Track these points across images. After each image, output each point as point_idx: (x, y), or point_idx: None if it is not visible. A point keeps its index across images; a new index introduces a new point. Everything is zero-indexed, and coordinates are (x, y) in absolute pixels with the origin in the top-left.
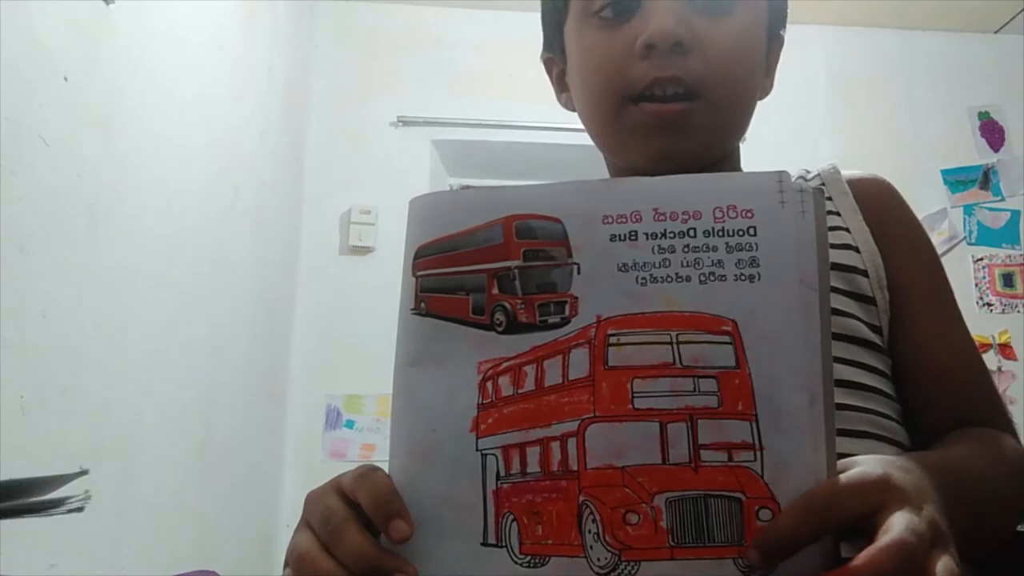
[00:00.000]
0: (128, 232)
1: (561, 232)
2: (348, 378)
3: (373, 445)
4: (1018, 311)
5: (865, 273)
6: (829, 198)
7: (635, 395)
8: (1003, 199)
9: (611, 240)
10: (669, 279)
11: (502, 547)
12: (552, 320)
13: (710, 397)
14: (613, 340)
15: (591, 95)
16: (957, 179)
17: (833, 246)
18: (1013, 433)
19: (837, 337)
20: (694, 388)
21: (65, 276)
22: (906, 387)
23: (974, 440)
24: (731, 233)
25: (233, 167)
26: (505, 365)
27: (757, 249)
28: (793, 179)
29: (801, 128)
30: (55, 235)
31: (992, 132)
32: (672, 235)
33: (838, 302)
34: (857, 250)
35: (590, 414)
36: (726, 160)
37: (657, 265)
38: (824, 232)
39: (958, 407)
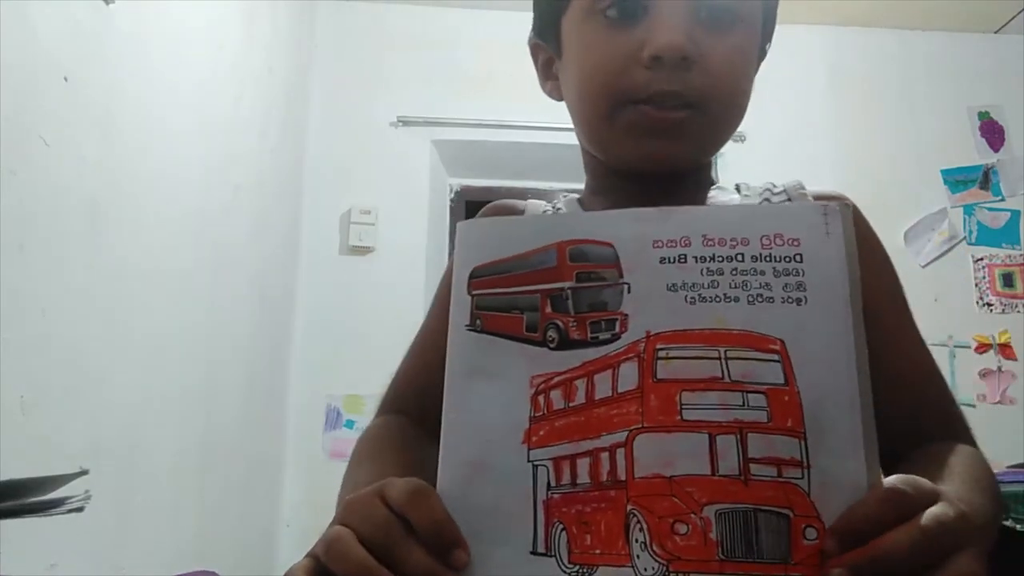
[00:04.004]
0: (128, 232)
1: (613, 256)
2: (348, 378)
3: None
4: (1018, 311)
5: None
6: None
7: (684, 407)
8: (1003, 199)
9: (661, 263)
10: (718, 299)
11: (551, 556)
12: (603, 336)
13: (760, 412)
14: (662, 354)
15: (587, 92)
16: (957, 179)
17: None
18: (970, 440)
19: None
20: (743, 403)
21: (65, 275)
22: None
23: (950, 456)
24: (778, 259)
25: (233, 167)
26: (557, 379)
27: (804, 275)
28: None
29: (801, 128)
30: (55, 235)
31: (992, 132)
32: (721, 259)
33: None
34: None
35: (638, 424)
36: (704, 168)
37: (706, 286)
38: (854, 251)
39: (915, 413)
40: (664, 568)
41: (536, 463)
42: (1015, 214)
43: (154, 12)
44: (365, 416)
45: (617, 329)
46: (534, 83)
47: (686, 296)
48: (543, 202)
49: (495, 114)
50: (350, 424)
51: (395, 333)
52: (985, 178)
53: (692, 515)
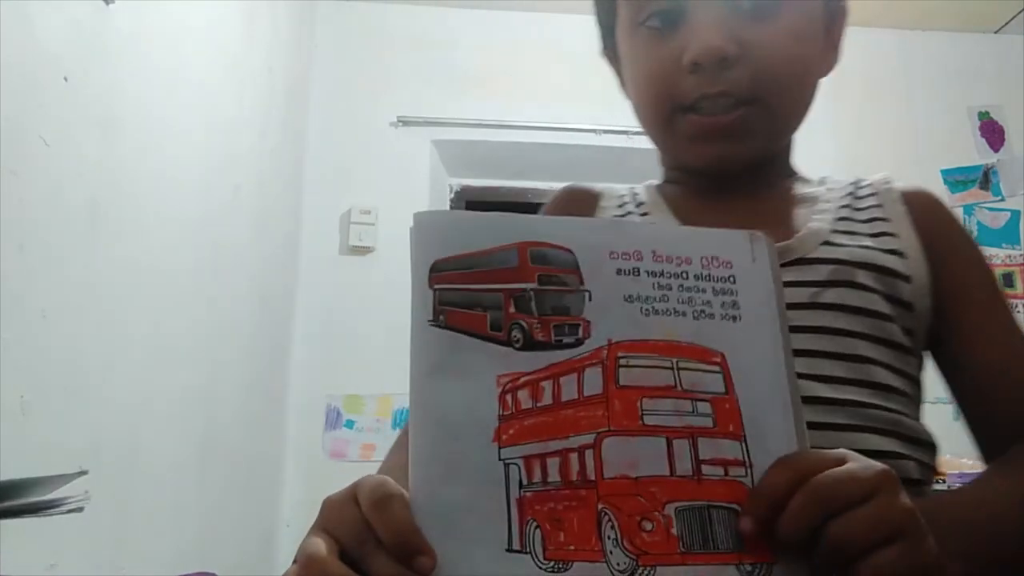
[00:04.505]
0: (128, 232)
1: (573, 261)
2: (348, 378)
3: (373, 445)
4: (1018, 311)
5: (908, 279)
6: (880, 205)
7: (644, 412)
8: (1003, 199)
9: (617, 273)
10: (668, 312)
11: (526, 553)
12: (567, 340)
13: (706, 418)
14: (623, 362)
15: (643, 103)
16: (957, 179)
17: (878, 250)
18: None
19: (873, 340)
20: (693, 410)
21: (65, 276)
22: (967, 397)
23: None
24: (716, 279)
25: (233, 167)
26: (524, 380)
27: (737, 295)
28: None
29: (801, 128)
30: (55, 235)
31: (992, 132)
32: (669, 275)
33: (876, 304)
34: (903, 255)
35: (605, 427)
36: (779, 156)
37: (657, 299)
38: (779, 276)
39: (1018, 413)
40: (634, 562)
41: (507, 461)
42: (1015, 214)
43: (154, 12)
44: (365, 416)
45: (580, 334)
46: (534, 83)
47: (641, 308)
48: (622, 186)
49: (495, 114)
50: (350, 424)
51: (395, 333)
52: (985, 178)
53: (656, 512)
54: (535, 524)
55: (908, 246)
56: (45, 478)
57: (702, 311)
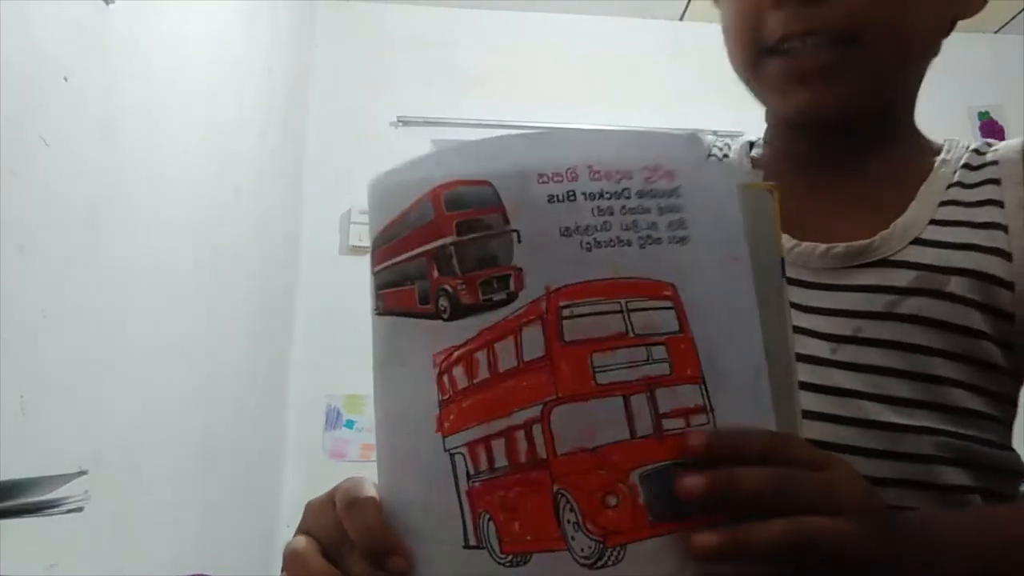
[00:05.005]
0: (128, 232)
1: (493, 196)
2: (348, 378)
3: (373, 445)
4: None
5: (1010, 286)
6: (997, 182)
7: (596, 370)
8: None
9: (549, 201)
10: (612, 243)
11: (483, 548)
12: (497, 298)
13: (662, 364)
14: (566, 312)
15: (730, 47)
16: None
17: (980, 249)
18: None
19: (955, 358)
20: (647, 357)
21: (65, 276)
22: None
23: None
24: (659, 195)
25: (233, 167)
26: (456, 355)
27: (684, 211)
28: None
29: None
30: (55, 235)
31: (992, 132)
32: (609, 196)
33: (966, 317)
34: (1009, 257)
35: (552, 396)
36: (891, 113)
37: (599, 228)
38: (770, 223)
39: None
40: (600, 545)
41: (452, 451)
42: None
43: (154, 12)
44: (365, 416)
45: (512, 287)
46: (534, 83)
47: (581, 241)
48: (714, 138)
49: (495, 114)
50: (350, 424)
51: None
52: None
53: (620, 484)
54: (488, 516)
55: (1017, 243)
56: (45, 478)
57: (648, 236)
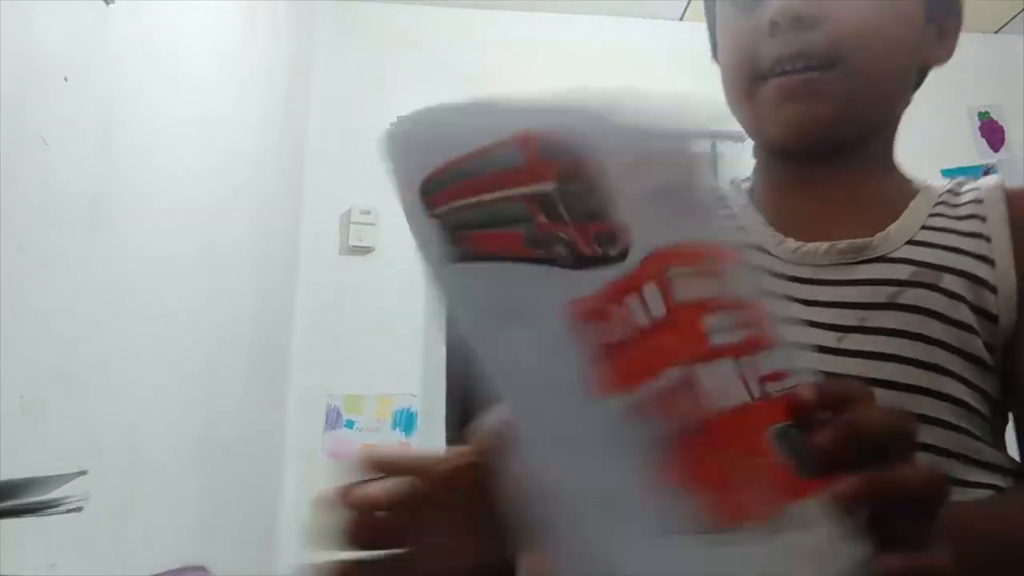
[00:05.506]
0: (128, 232)
1: (588, 148)
2: (348, 378)
3: (373, 445)
4: None
5: (994, 289)
6: (980, 201)
7: (710, 332)
8: None
9: (635, 163)
10: (683, 208)
11: (677, 527)
12: (613, 252)
13: (753, 328)
14: (675, 274)
15: (728, 75)
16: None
17: (970, 254)
18: None
19: (952, 350)
20: (741, 321)
21: (65, 276)
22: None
23: None
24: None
25: (233, 167)
26: (589, 308)
27: (693, 191)
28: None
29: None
30: (55, 235)
31: (992, 132)
32: (666, 159)
33: (960, 312)
34: (993, 264)
35: (689, 356)
36: (872, 144)
37: (682, 190)
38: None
39: None
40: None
41: (615, 415)
42: None
43: (154, 12)
44: (365, 416)
45: (620, 242)
46: (534, 83)
47: (670, 204)
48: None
49: None
50: (350, 424)
51: (395, 333)
52: None
53: (766, 445)
54: (679, 489)
55: (999, 252)
56: (45, 478)
57: (687, 202)
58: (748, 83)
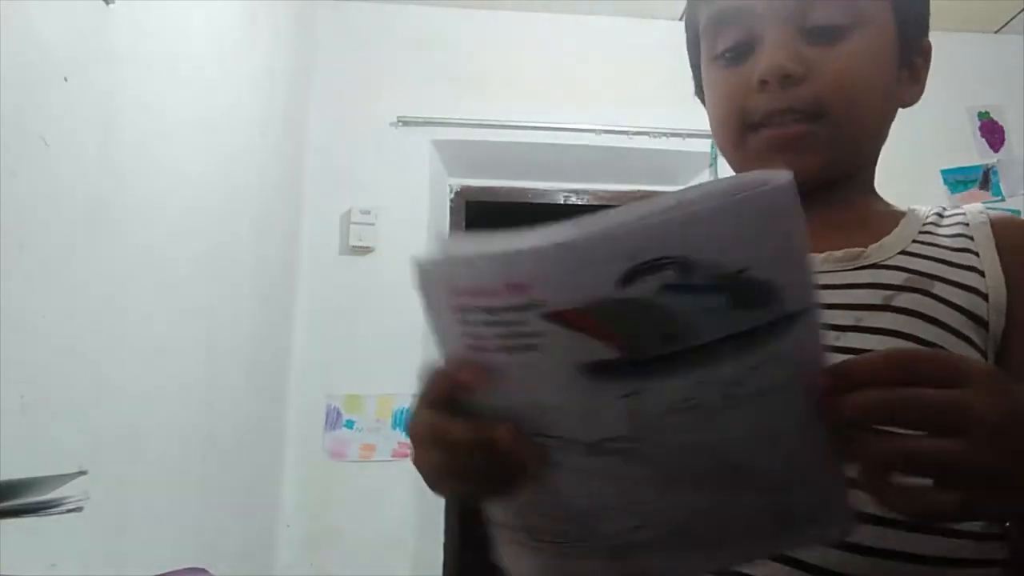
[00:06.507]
0: (128, 232)
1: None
2: (348, 378)
3: (373, 445)
4: None
5: (985, 297)
6: (966, 224)
7: None
8: (1003, 199)
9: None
10: None
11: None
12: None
13: None
14: None
15: (718, 125)
16: (957, 179)
17: (961, 266)
18: None
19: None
20: None
21: (65, 275)
22: None
23: None
24: None
25: (233, 167)
26: None
27: None
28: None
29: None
30: (55, 235)
31: (992, 132)
32: None
33: (952, 318)
34: (982, 273)
35: None
36: (856, 177)
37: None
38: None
39: None
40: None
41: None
42: (1015, 214)
43: (154, 12)
44: (365, 416)
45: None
46: (534, 83)
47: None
48: None
49: (495, 114)
50: (350, 424)
51: (395, 333)
52: (985, 178)
53: None
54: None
55: (987, 264)
56: (45, 478)
57: None
58: (738, 133)
